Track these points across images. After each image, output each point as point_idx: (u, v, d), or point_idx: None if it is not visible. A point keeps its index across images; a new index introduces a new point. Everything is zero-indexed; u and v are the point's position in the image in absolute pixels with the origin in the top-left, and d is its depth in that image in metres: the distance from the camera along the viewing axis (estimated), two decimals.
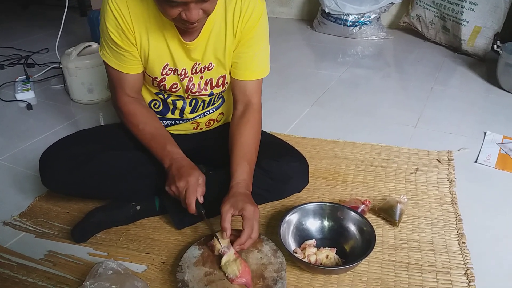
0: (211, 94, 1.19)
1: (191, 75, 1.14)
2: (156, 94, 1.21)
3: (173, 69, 1.12)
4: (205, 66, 1.13)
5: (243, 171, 1.08)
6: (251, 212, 0.99)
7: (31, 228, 1.21)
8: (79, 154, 1.13)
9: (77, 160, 1.11)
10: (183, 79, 1.14)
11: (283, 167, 1.18)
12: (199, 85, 1.16)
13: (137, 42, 1.07)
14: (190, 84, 1.15)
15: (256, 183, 1.11)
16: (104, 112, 1.88)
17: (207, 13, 0.97)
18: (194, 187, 1.02)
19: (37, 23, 3.35)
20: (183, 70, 1.12)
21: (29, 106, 1.95)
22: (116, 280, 0.93)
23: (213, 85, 1.17)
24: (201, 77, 1.15)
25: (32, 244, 1.16)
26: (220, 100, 1.27)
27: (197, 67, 1.13)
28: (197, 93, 1.17)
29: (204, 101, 1.22)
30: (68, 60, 1.90)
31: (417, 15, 2.73)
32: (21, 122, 1.85)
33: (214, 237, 1.03)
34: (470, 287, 0.99)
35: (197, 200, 1.03)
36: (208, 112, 1.27)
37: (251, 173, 1.10)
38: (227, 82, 1.18)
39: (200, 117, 1.26)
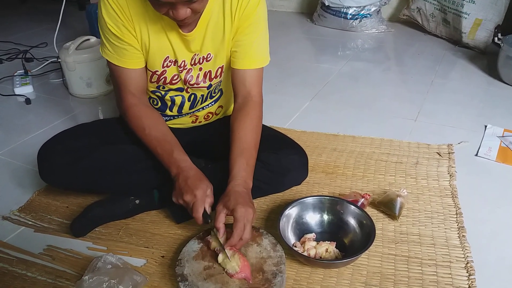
0: (209, 87, 1.18)
1: (190, 67, 1.13)
2: (153, 92, 1.20)
3: (173, 60, 1.11)
4: (203, 57, 1.12)
5: (240, 168, 1.06)
6: (241, 213, 0.96)
7: (30, 223, 1.21)
8: (78, 148, 1.12)
9: (75, 154, 1.11)
10: (181, 70, 1.13)
11: (282, 159, 1.18)
12: (197, 76, 1.15)
13: (137, 34, 1.06)
14: (188, 76, 1.14)
15: (255, 175, 1.10)
16: (103, 106, 1.87)
17: (196, 12, 0.96)
18: (201, 201, 1.01)
19: (35, 17, 3.33)
20: (183, 62, 1.11)
21: (27, 101, 1.95)
22: (115, 274, 0.93)
23: (212, 77, 1.16)
24: (200, 69, 1.14)
25: (31, 239, 1.15)
26: (219, 93, 1.27)
27: (195, 58, 1.12)
28: (195, 85, 1.16)
29: (202, 95, 1.21)
30: (66, 54, 1.90)
31: (417, 7, 2.71)
32: (20, 117, 1.84)
33: (212, 233, 1.02)
34: (470, 280, 0.99)
35: (204, 211, 1.01)
36: (207, 106, 1.26)
37: (249, 169, 1.08)
38: (223, 72, 1.17)
39: (199, 111, 1.26)
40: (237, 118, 1.14)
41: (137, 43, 1.07)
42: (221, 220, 0.99)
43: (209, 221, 1.01)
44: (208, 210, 1.02)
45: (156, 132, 1.11)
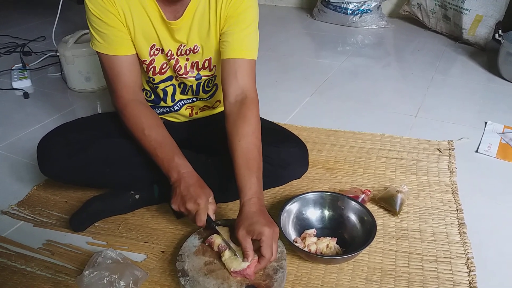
0: (198, 77, 1.17)
1: (177, 57, 1.12)
2: (146, 82, 1.18)
3: (160, 49, 1.09)
4: (190, 48, 1.11)
5: (251, 184, 1.00)
6: (269, 236, 0.92)
7: (29, 217, 1.20)
8: (77, 140, 1.11)
9: (75, 146, 1.10)
10: (170, 59, 1.12)
11: (282, 152, 1.17)
12: (185, 66, 1.13)
13: (121, 19, 1.03)
14: (177, 66, 1.13)
15: None
16: (101, 101, 1.87)
17: None
18: (204, 209, 0.99)
19: (33, 11, 3.30)
20: (169, 51, 1.10)
21: (26, 95, 1.93)
22: (115, 269, 0.93)
23: (199, 67, 1.15)
24: (187, 59, 1.13)
25: (31, 233, 1.15)
26: (214, 88, 1.25)
27: (182, 49, 1.11)
28: (183, 75, 1.15)
29: (192, 85, 1.19)
30: (65, 48, 1.88)
31: (418, 3, 2.70)
32: (18, 111, 1.83)
33: (221, 239, 1.01)
34: (470, 276, 0.99)
35: (208, 217, 1.00)
36: (202, 99, 1.25)
37: (258, 182, 1.02)
38: (214, 66, 1.15)
39: (193, 101, 1.24)
40: (233, 124, 1.06)
41: (123, 27, 1.04)
42: (250, 247, 0.94)
43: (214, 226, 1.01)
44: (212, 216, 1.02)
45: (156, 134, 1.07)
